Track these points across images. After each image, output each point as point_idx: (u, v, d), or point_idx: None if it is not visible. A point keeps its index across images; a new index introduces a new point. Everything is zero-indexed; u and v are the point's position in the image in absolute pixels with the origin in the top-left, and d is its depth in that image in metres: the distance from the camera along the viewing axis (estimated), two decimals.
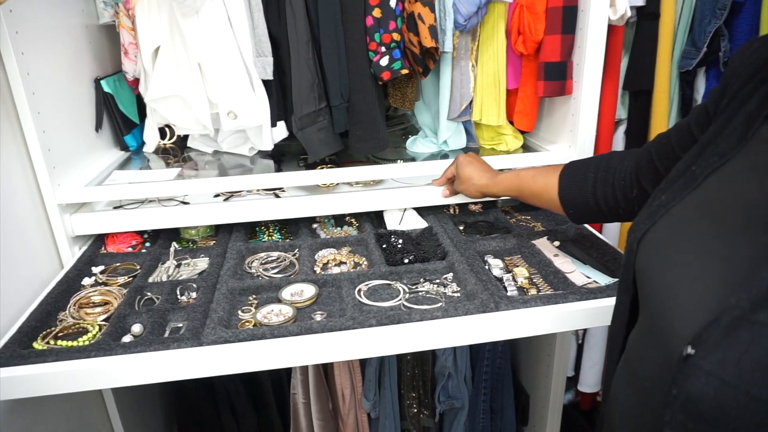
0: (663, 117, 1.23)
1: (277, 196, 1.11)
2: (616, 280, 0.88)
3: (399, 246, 1.04)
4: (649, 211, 0.50)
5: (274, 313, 0.85)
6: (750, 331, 0.34)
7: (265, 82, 1.10)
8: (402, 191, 1.12)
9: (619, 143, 1.34)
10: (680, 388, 0.37)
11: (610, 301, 0.83)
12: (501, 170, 1.04)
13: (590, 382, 1.59)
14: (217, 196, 1.13)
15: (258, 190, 1.13)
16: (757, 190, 0.41)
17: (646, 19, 1.19)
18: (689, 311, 0.40)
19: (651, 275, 0.47)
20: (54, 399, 0.97)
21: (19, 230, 0.94)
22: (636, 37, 1.22)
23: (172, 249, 1.05)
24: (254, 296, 0.92)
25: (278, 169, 1.18)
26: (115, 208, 1.09)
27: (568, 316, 0.83)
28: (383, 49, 1.06)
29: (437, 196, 1.13)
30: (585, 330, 1.56)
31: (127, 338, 0.81)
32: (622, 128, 1.32)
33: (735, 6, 1.11)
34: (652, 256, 0.48)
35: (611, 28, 1.13)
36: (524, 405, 1.53)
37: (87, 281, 0.97)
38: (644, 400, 0.46)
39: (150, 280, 0.97)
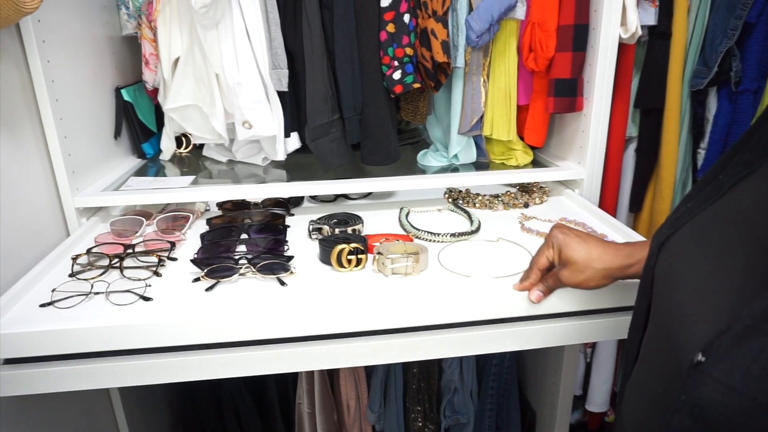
0: (674, 135, 1.23)
1: (281, 282, 0.86)
2: None
3: None
4: (674, 217, 0.50)
5: None
6: (761, 341, 0.35)
7: (280, 94, 1.13)
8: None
9: (629, 161, 1.34)
10: (689, 394, 0.38)
11: (618, 315, 0.84)
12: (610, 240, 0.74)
13: (598, 401, 1.57)
14: (196, 280, 0.86)
15: (254, 272, 0.86)
16: None
17: (658, 38, 1.20)
18: (702, 319, 0.40)
19: (668, 281, 0.47)
20: (61, 400, 0.99)
21: (37, 233, 0.97)
22: (647, 56, 1.23)
23: None
24: None
25: (290, 179, 1.20)
26: (42, 306, 0.80)
27: (577, 328, 0.83)
28: (396, 63, 1.08)
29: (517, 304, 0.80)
30: (593, 348, 1.55)
31: None
32: (632, 146, 1.33)
33: (746, 26, 1.12)
34: (672, 262, 0.48)
35: (622, 47, 1.14)
36: (530, 422, 1.51)
37: None
38: (654, 405, 0.46)
39: None
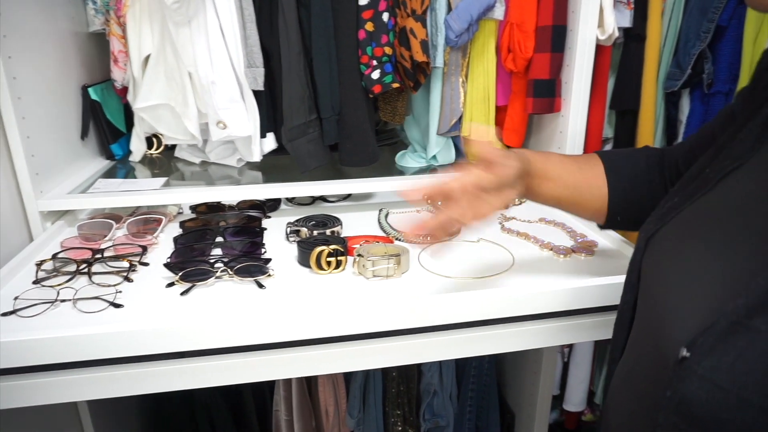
0: (648, 136, 1.25)
1: (259, 285, 0.84)
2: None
3: None
4: (660, 212, 0.50)
5: None
6: (745, 337, 0.34)
7: (256, 93, 1.10)
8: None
9: None
10: (674, 390, 0.37)
11: (603, 315, 0.83)
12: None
13: (575, 400, 1.58)
14: (170, 285, 0.83)
15: (231, 274, 0.84)
16: (766, 196, 0.41)
17: (633, 40, 1.21)
18: (687, 315, 0.40)
19: (654, 276, 0.47)
20: (26, 413, 0.94)
21: None
22: (623, 58, 1.24)
23: None
24: None
25: (266, 181, 1.17)
26: (4, 315, 0.76)
27: (561, 329, 0.83)
28: (375, 62, 1.06)
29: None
30: (570, 348, 1.56)
31: None
32: (608, 147, 1.34)
33: (718, 30, 1.14)
34: (658, 257, 0.47)
35: (599, 48, 1.15)
36: (509, 423, 1.51)
37: None
38: (640, 402, 0.45)
39: None
